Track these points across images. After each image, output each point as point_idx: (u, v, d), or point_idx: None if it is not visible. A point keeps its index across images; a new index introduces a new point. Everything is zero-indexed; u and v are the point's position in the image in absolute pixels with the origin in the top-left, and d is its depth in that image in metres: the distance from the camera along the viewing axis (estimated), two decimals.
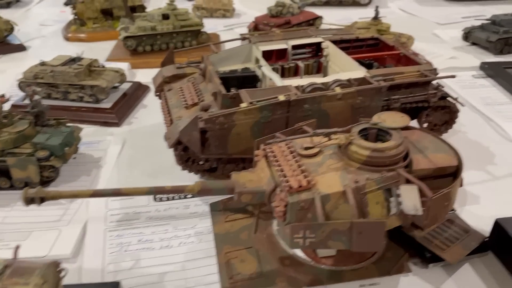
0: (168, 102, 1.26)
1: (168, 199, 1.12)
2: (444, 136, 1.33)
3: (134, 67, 1.90)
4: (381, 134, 0.90)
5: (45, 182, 1.15)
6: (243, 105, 1.05)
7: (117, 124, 1.46)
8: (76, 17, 2.35)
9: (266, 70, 1.25)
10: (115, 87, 1.60)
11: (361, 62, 1.36)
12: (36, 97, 1.19)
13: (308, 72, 1.44)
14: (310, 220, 0.79)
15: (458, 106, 1.28)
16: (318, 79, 1.17)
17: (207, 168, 1.15)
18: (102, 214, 1.06)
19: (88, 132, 1.43)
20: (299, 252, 0.94)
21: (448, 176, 0.89)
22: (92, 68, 1.51)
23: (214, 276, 0.89)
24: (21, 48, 2.18)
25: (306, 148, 0.90)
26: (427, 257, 0.90)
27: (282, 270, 0.90)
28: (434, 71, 1.23)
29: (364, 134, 0.91)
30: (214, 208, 1.08)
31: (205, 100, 1.19)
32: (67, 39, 2.32)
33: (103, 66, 1.59)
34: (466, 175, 1.15)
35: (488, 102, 1.57)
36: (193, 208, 1.09)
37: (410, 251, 0.93)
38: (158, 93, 1.35)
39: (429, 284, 0.87)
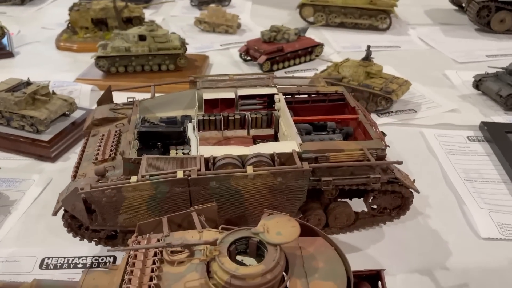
0: (84, 150, 1.15)
1: (55, 267, 1.02)
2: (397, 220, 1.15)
3: (103, 88, 1.80)
4: (261, 247, 0.74)
5: None
6: (133, 179, 0.92)
7: (51, 160, 1.38)
8: (69, 25, 2.30)
9: (189, 130, 1.11)
10: (66, 115, 1.52)
11: (313, 124, 1.19)
12: None
13: (257, 125, 1.29)
14: None
15: (415, 193, 1.08)
16: (238, 150, 1.02)
17: (103, 237, 1.03)
18: None
19: (19, 167, 1.36)
20: None
21: None
22: (37, 97, 1.43)
23: None
24: (8, 55, 2.16)
25: (173, 252, 0.76)
26: None
27: None
28: (382, 150, 1.04)
29: (244, 243, 0.75)
30: None
31: (117, 157, 1.08)
32: (58, 47, 2.28)
33: (53, 93, 1.51)
34: (403, 278, 0.97)
35: (471, 177, 1.34)
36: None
37: None
38: (85, 136, 1.25)
39: None
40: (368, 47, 1.69)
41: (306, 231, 0.81)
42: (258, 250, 0.75)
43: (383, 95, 1.62)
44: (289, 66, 2.11)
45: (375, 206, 1.12)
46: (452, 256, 1.07)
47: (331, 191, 1.04)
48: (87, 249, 1.05)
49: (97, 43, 2.21)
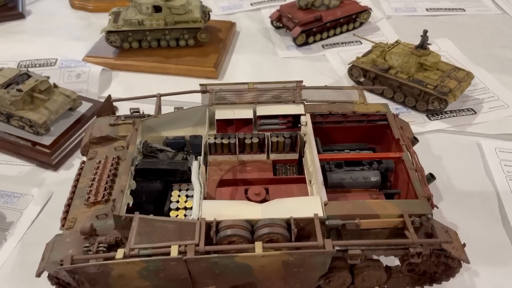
0: (79, 180, 1.01)
1: None
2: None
3: (115, 68, 1.62)
4: None
5: None
6: (119, 253, 0.77)
7: (53, 168, 1.25)
8: None
9: (193, 173, 0.92)
10: (70, 110, 1.37)
11: (339, 164, 0.98)
12: None
13: (279, 149, 1.08)
14: None
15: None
16: (249, 209, 0.84)
17: None
18: None
19: (19, 175, 1.25)
20: None
21: None
22: (35, 94, 1.28)
23: None
24: (19, 16, 1.97)
25: None
26: None
27: None
28: (428, 220, 0.83)
29: None
30: None
31: (111, 197, 0.93)
32: (72, 5, 2.06)
33: (55, 86, 1.34)
34: None
35: None
36: None
37: None
38: (84, 154, 1.10)
39: None
40: (425, 32, 1.38)
41: None
42: None
43: (437, 95, 1.34)
44: (328, 37, 1.82)
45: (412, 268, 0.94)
46: None
47: (358, 262, 0.86)
48: None
49: (113, 3, 1.98)
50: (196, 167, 0.94)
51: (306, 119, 1.04)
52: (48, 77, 1.32)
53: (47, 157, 1.25)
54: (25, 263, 1.04)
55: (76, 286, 0.85)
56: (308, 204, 0.84)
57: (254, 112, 1.07)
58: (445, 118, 1.40)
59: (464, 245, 0.90)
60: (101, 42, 1.73)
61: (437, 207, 0.88)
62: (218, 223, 0.81)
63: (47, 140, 1.28)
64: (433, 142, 1.32)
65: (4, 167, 1.26)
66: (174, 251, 0.77)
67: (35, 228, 1.11)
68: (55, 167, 1.26)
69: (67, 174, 1.25)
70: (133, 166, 0.94)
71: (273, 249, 0.78)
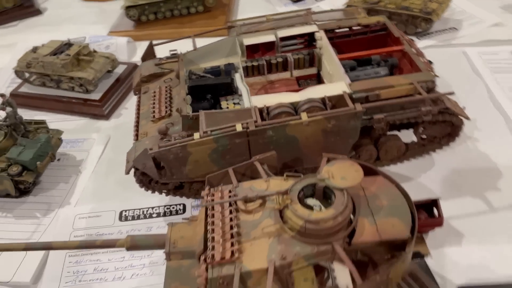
0: (140, 109, 1.21)
1: (133, 219, 1.12)
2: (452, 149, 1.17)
3: (138, 39, 1.82)
4: (327, 192, 0.80)
5: (23, 192, 1.19)
6: (196, 136, 0.97)
7: (105, 117, 1.45)
8: None
9: (237, 80, 1.13)
10: (109, 71, 1.56)
11: (357, 60, 1.19)
12: (8, 109, 1.19)
13: (300, 66, 1.29)
14: None
15: (465, 120, 1.10)
16: (289, 96, 1.04)
17: (171, 188, 1.12)
18: (67, 233, 1.09)
19: (77, 127, 1.43)
20: None
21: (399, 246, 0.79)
22: (81, 57, 1.47)
23: None
24: (36, 12, 2.16)
25: (247, 201, 0.83)
26: None
27: None
28: (432, 83, 1.04)
29: (311, 189, 0.81)
30: None
31: (173, 113, 1.13)
32: None
33: (94, 51, 1.54)
34: (454, 207, 1.04)
35: None
36: (155, 230, 1.08)
37: None
38: (136, 93, 1.29)
39: None
40: None
41: (366, 171, 0.85)
42: (324, 194, 0.81)
43: (422, 16, 1.57)
44: None
45: (424, 136, 1.15)
46: (503, 177, 1.11)
47: (382, 127, 1.07)
48: (158, 200, 1.15)
49: None
50: (238, 76, 1.14)
51: (320, 35, 1.25)
52: (87, 44, 1.52)
53: (99, 109, 1.44)
54: (102, 187, 1.23)
55: (158, 177, 1.04)
56: (336, 87, 1.05)
57: (276, 36, 1.28)
58: (432, 36, 1.62)
59: (464, 108, 1.11)
60: (120, 20, 1.93)
61: (438, 76, 1.08)
62: (267, 107, 1.01)
63: (96, 96, 1.47)
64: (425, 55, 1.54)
65: (62, 124, 1.44)
66: (239, 127, 0.97)
67: (103, 161, 1.30)
68: (107, 116, 1.45)
69: (118, 121, 1.44)
70: (187, 84, 1.14)
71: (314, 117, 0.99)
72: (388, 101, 1.01)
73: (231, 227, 0.80)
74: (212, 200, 0.86)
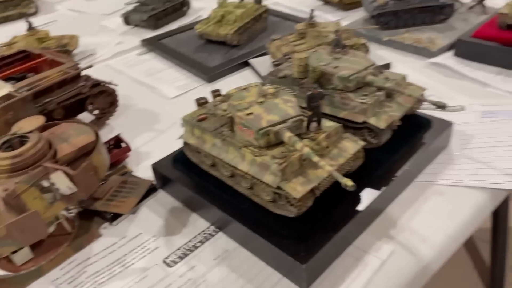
0: None
1: None
2: (119, 112, 1.53)
3: None
4: (23, 140, 1.00)
5: None
6: None
7: None
8: None
9: None
10: None
11: (12, 77, 1.41)
12: None
13: None
14: None
15: (114, 87, 1.49)
16: None
17: None
18: None
19: None
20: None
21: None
22: None
23: None
24: None
25: None
26: (109, 217, 1.08)
27: None
28: (76, 66, 1.39)
29: (9, 145, 1.00)
30: None
31: None
32: None
33: None
34: (139, 138, 1.40)
35: (151, 73, 1.85)
36: None
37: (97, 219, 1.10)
38: None
39: (116, 237, 1.06)
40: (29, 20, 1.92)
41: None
42: (22, 144, 1.01)
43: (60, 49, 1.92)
44: None
45: (96, 112, 1.48)
46: None
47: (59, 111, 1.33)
48: None
49: None
50: None
51: None
52: None
53: None
54: None
55: None
56: (1, 91, 1.25)
57: None
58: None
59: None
60: None
61: (79, 66, 1.44)
62: None
63: None
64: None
65: None
66: None
67: None
68: None
69: None
70: None
71: None
72: (49, 83, 1.29)
73: None
74: None
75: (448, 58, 1.67)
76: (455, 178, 1.11)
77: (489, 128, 1.27)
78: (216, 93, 1.15)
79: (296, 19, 2.13)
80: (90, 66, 1.40)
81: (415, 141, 1.14)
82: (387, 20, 1.90)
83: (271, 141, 0.92)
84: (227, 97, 1.04)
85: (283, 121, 0.92)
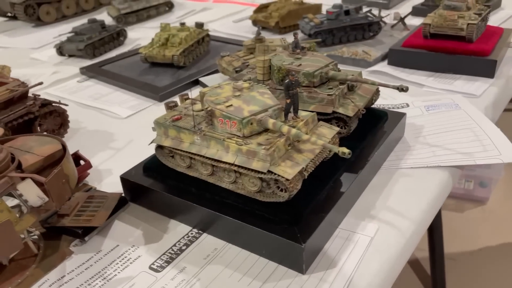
0: None
1: None
2: (69, 135, 1.45)
3: None
4: None
5: None
6: None
7: None
8: None
9: None
10: None
11: None
12: None
13: None
14: None
15: (65, 107, 1.42)
16: None
17: None
18: None
19: None
20: None
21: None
22: None
23: None
24: None
25: None
26: (80, 233, 1.00)
27: None
28: (23, 84, 1.30)
29: None
30: None
31: None
32: None
33: None
34: (97, 157, 1.32)
35: (96, 97, 1.78)
36: None
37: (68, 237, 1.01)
38: None
39: (90, 252, 0.98)
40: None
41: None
42: None
43: None
44: None
45: (45, 133, 1.38)
46: None
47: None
48: None
49: None
50: None
51: None
52: None
53: None
54: None
55: None
56: None
57: None
58: None
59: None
60: None
61: (27, 84, 1.35)
62: None
63: None
64: None
65: None
66: None
67: None
68: None
69: None
70: None
71: None
72: None
73: None
74: None
75: (384, 67, 1.82)
76: (417, 161, 1.20)
77: (435, 118, 1.39)
78: (184, 96, 1.14)
79: (237, 42, 2.21)
80: (41, 83, 1.32)
81: (376, 130, 1.21)
82: (324, 38, 2.04)
83: (254, 130, 0.93)
84: (201, 96, 1.04)
85: (264, 110, 0.94)
